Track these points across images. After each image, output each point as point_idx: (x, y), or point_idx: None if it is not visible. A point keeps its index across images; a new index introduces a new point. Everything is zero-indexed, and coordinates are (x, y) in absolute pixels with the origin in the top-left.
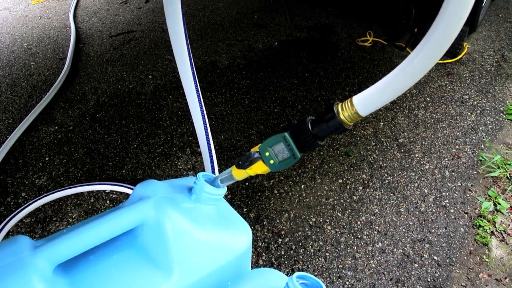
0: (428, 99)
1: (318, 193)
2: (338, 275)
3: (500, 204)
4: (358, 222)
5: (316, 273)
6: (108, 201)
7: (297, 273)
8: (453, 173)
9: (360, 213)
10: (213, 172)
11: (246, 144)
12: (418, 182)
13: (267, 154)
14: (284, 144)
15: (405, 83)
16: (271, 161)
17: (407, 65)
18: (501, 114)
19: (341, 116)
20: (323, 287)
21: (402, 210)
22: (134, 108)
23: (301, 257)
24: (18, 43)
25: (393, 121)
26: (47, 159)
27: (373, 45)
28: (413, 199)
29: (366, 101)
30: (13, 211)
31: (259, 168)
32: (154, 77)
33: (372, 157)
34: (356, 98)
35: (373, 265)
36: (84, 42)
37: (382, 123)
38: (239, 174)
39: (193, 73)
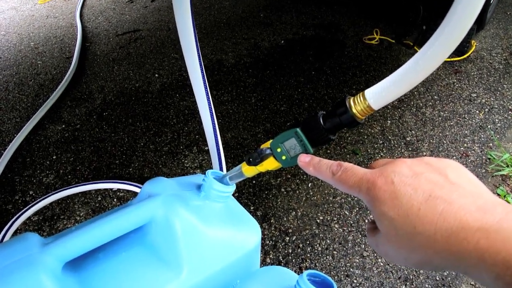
0: (435, 97)
1: (326, 191)
2: (346, 273)
3: (509, 202)
4: (366, 221)
5: (324, 272)
6: (115, 199)
7: (307, 271)
8: None
9: (368, 212)
10: (221, 170)
11: (253, 143)
12: None
13: (278, 150)
14: (296, 139)
15: (417, 77)
16: (283, 157)
17: (419, 58)
18: (509, 112)
19: (354, 110)
20: (334, 285)
21: None
22: (141, 106)
23: (308, 255)
24: (25, 42)
25: (401, 119)
26: (54, 157)
27: (380, 43)
28: None
29: (379, 94)
30: (21, 209)
31: (270, 164)
32: (160, 75)
33: (379, 156)
34: (368, 92)
35: (381, 264)
36: (91, 41)
37: (389, 121)
38: (249, 171)
39: (201, 70)
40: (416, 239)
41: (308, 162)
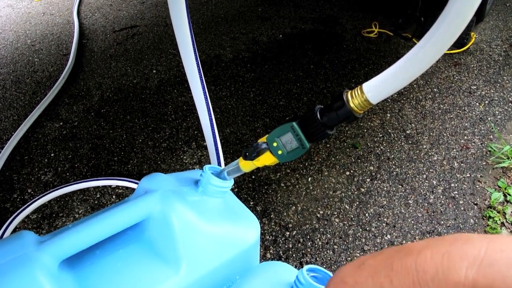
0: (435, 89)
1: (326, 186)
2: None
3: (510, 194)
4: (366, 215)
5: (324, 266)
6: (114, 196)
7: (307, 266)
8: (462, 164)
9: (368, 205)
10: (219, 165)
11: (251, 138)
12: (427, 173)
13: (275, 144)
14: (292, 134)
15: (415, 70)
16: (279, 152)
17: (418, 51)
18: (510, 104)
19: (351, 104)
20: None
21: (411, 202)
22: (139, 103)
23: (309, 250)
24: (22, 40)
25: (400, 113)
26: (52, 155)
27: (378, 36)
28: (421, 190)
29: (377, 88)
30: (19, 208)
31: (266, 159)
32: (158, 71)
33: (379, 149)
34: (366, 85)
35: None
36: (88, 37)
37: (389, 115)
38: (246, 166)
39: (198, 66)
40: None
41: None
